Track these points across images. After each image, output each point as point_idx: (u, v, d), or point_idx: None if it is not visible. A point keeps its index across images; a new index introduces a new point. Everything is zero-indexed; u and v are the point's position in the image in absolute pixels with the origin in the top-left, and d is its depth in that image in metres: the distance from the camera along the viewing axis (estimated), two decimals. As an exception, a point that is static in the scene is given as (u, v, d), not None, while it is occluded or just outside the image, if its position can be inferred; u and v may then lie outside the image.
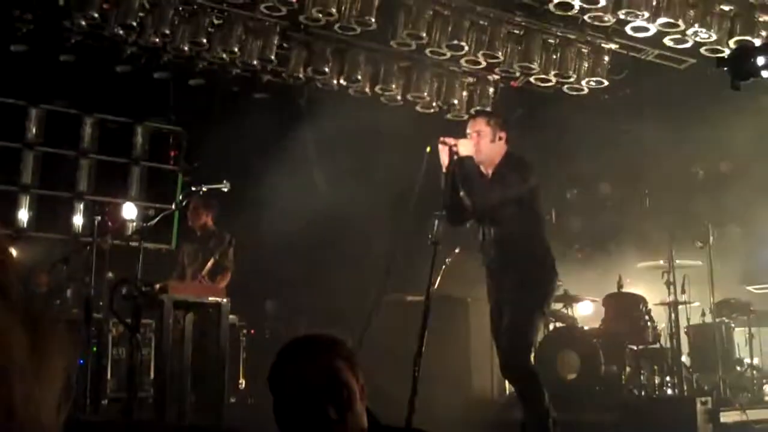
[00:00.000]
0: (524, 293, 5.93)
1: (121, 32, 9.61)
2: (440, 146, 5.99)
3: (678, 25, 9.12)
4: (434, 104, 11.21)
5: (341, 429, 2.43)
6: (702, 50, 9.52)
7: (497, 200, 6.03)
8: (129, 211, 9.23)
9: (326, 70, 10.47)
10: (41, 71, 10.51)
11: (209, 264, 8.27)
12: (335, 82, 10.70)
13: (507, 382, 9.45)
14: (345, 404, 2.44)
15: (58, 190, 11.16)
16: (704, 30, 9.17)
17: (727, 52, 9.14)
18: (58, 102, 11.10)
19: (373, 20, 9.33)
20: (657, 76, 10.80)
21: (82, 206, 11.10)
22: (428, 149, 5.94)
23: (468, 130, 6.23)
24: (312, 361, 2.49)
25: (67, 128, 11.22)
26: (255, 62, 10.20)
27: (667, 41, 9.56)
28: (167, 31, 9.61)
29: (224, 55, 10.06)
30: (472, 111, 10.89)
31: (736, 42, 9.12)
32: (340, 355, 2.52)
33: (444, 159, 5.99)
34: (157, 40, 9.77)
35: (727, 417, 8.43)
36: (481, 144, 6.13)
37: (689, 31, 9.22)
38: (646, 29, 9.34)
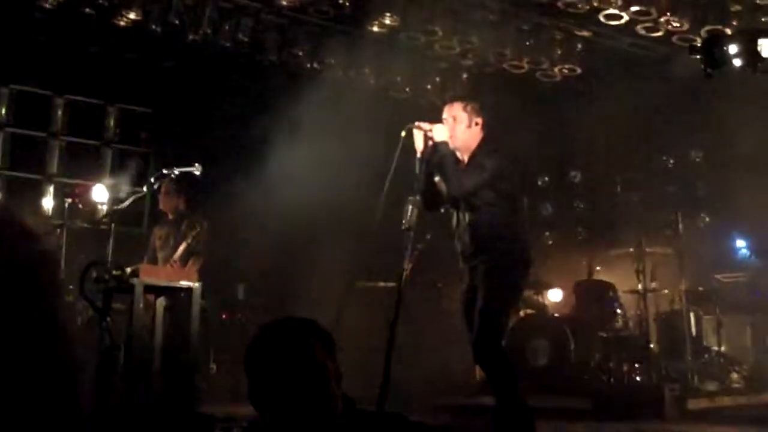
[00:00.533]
0: (497, 280, 5.92)
1: (93, 12, 9.53)
2: (415, 131, 5.96)
3: (650, 13, 9.17)
4: (407, 89, 11.20)
5: (316, 410, 2.44)
6: (674, 39, 9.57)
7: (472, 186, 6.00)
8: (100, 193, 9.15)
9: (299, 53, 10.44)
10: (11, 51, 10.38)
11: (181, 248, 8.21)
12: (308, 65, 10.66)
13: (478, 367, 9.50)
14: (320, 386, 2.44)
15: (28, 172, 11.03)
16: (676, 18, 9.23)
17: (698, 40, 9.18)
18: (29, 82, 10.97)
19: (348, 4, 9.31)
20: (629, 65, 10.85)
21: (52, 188, 10.99)
22: (403, 133, 5.91)
23: (444, 115, 6.18)
24: (288, 342, 2.50)
25: (38, 109, 11.08)
26: (228, 44, 10.15)
27: (639, 29, 9.60)
28: (140, 12, 9.53)
29: (197, 37, 10.00)
30: (446, 96, 10.90)
31: (708, 30, 9.18)
32: (317, 337, 2.52)
33: (419, 144, 5.96)
34: (130, 19, 9.69)
35: (695, 404, 8.52)
36: (456, 129, 6.09)
37: (661, 20, 9.27)
38: (619, 17, 9.38)
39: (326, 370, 2.47)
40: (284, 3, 9.59)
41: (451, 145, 6.02)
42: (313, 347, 2.49)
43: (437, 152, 5.95)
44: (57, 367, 0.82)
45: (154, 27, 9.76)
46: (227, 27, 10.03)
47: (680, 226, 9.55)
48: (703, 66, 5.72)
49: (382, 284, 10.30)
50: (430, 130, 5.97)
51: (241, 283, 11.60)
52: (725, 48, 5.77)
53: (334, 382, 2.49)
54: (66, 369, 0.82)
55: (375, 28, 9.99)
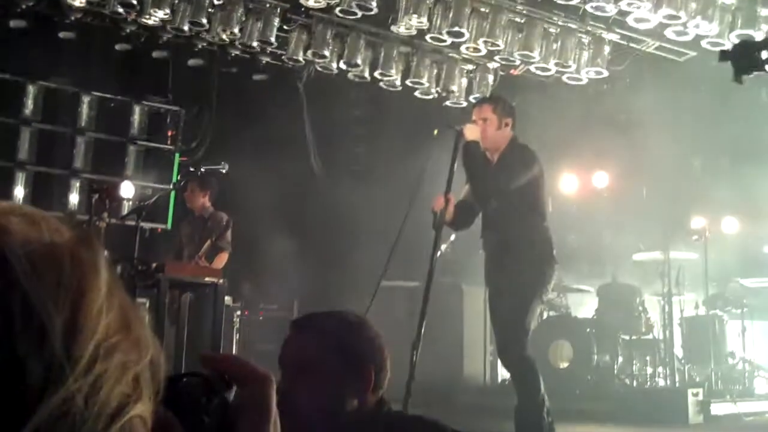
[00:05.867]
0: (523, 280, 5.92)
1: (121, 10, 9.61)
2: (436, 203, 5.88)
3: (679, 17, 9.12)
4: (433, 90, 11.19)
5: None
6: (703, 43, 9.52)
7: (501, 187, 6.01)
8: (126, 190, 9.23)
9: (326, 53, 10.45)
10: (40, 48, 10.46)
11: (206, 245, 8.25)
12: (335, 65, 10.69)
13: (500, 368, 9.49)
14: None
15: (54, 168, 11.11)
16: (706, 23, 9.18)
17: (727, 45, 9.13)
18: (57, 79, 11.04)
19: (374, 4, 9.32)
20: (656, 68, 10.81)
21: (78, 184, 11.05)
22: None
23: (473, 117, 6.16)
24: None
25: (65, 106, 11.16)
26: (255, 44, 10.19)
27: (668, 33, 9.56)
28: (167, 11, 9.60)
29: (224, 36, 10.06)
30: (472, 98, 10.89)
31: (738, 36, 9.12)
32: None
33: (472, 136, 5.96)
34: (157, 19, 9.76)
35: (719, 409, 8.49)
36: (487, 131, 6.05)
37: (690, 24, 9.22)
38: (648, 20, 9.35)
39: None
40: (311, 3, 9.61)
41: (481, 146, 6.01)
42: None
43: (467, 152, 5.94)
44: None
45: (181, 26, 9.82)
46: (254, 26, 10.06)
47: (706, 230, 9.51)
48: (734, 71, 5.68)
49: (404, 284, 10.31)
50: (462, 130, 5.96)
51: (262, 281, 11.63)
52: (757, 53, 5.72)
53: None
54: None
55: (402, 30, 9.99)
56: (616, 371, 9.63)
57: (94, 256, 0.84)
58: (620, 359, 9.69)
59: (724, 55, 5.93)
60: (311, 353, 2.45)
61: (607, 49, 10.42)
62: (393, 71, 10.81)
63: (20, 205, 0.88)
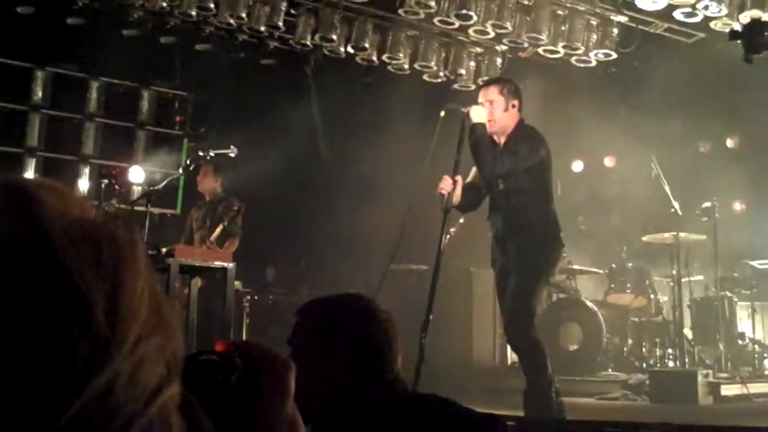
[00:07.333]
0: (529, 261, 5.93)
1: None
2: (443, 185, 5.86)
3: (688, -2, 9.07)
4: (441, 74, 11.17)
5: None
6: (712, 24, 9.47)
7: (505, 171, 6.00)
8: (136, 175, 9.25)
9: (333, 37, 10.43)
10: (48, 34, 10.47)
11: (218, 230, 8.27)
12: (342, 49, 10.66)
13: (509, 350, 9.52)
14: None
15: (63, 153, 11.13)
16: (715, 3, 9.12)
17: (736, 26, 9.08)
18: (65, 65, 11.05)
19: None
20: (666, 50, 10.75)
21: (87, 170, 11.08)
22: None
23: (480, 99, 6.14)
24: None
25: (74, 91, 11.18)
26: (262, 28, 10.17)
27: (677, 14, 9.51)
28: (175, -5, 9.60)
29: (231, 21, 10.03)
30: (480, 81, 10.85)
31: (747, 16, 9.07)
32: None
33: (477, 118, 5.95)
34: (165, 3, 9.75)
35: (728, 390, 8.49)
36: (494, 114, 6.04)
37: (699, 5, 9.17)
38: (656, 2, 9.30)
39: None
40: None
41: (488, 129, 6.00)
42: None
43: (474, 134, 5.94)
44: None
45: (188, 10, 9.81)
46: (262, 11, 10.04)
47: (716, 212, 9.49)
48: (743, 51, 5.67)
49: (414, 267, 10.32)
50: (468, 112, 5.95)
51: (270, 266, 11.66)
52: (767, 34, 5.71)
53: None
54: None
55: (409, 12, 9.96)
56: (625, 353, 9.64)
57: (131, 235, 0.84)
58: (630, 341, 9.70)
59: (733, 36, 5.93)
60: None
61: (615, 31, 10.36)
62: (401, 55, 10.78)
63: (48, 180, 0.88)
